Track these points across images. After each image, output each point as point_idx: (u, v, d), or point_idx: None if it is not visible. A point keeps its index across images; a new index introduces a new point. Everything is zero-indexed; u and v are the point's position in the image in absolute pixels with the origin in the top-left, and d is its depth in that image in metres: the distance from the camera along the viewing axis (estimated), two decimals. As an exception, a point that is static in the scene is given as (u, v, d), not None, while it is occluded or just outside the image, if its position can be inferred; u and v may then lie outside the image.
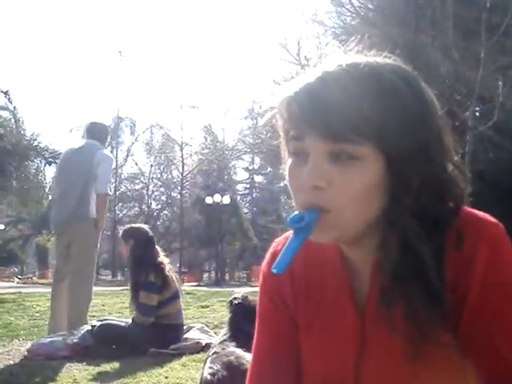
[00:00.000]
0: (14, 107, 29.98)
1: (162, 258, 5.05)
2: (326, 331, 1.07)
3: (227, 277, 42.97)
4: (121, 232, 5.17)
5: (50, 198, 6.32)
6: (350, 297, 1.05)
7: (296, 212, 0.93)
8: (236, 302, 3.31)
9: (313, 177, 0.90)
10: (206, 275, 46.92)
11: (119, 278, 41.28)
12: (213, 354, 3.05)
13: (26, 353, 4.63)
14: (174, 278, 5.04)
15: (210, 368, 2.85)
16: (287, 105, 0.94)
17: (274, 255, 1.15)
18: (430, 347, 0.92)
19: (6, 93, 29.06)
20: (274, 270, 0.91)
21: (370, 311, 1.00)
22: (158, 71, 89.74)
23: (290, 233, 1.14)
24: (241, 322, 3.14)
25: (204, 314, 7.66)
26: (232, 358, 2.84)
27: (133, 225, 5.42)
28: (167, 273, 4.94)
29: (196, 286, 24.52)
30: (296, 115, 0.92)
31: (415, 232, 0.91)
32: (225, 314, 7.52)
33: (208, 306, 8.89)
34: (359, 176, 0.89)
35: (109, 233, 49.88)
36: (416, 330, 0.91)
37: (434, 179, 0.92)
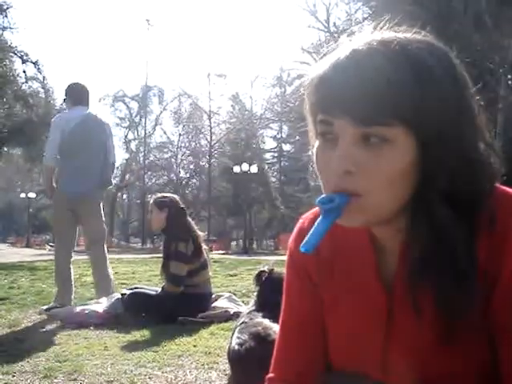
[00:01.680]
0: (44, 77, 30.29)
1: (195, 228, 5.10)
2: (353, 307, 1.07)
3: (255, 245, 43.19)
4: (152, 200, 5.18)
5: (60, 167, 5.96)
6: (377, 273, 1.04)
7: (324, 194, 0.92)
8: (263, 274, 3.32)
9: (343, 161, 0.88)
10: (233, 243, 47.30)
11: (148, 245, 41.81)
12: (241, 324, 3.07)
13: (58, 321, 4.74)
14: (204, 248, 5.09)
15: (238, 338, 2.88)
16: (316, 87, 0.92)
17: (301, 231, 1.15)
18: (458, 331, 0.91)
19: (35, 63, 29.33)
20: (302, 249, 0.90)
21: (399, 290, 0.99)
22: (186, 40, 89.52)
23: (316, 209, 1.13)
24: (268, 293, 3.16)
25: (232, 283, 7.72)
26: (259, 328, 2.86)
27: (166, 194, 5.46)
28: (198, 243, 4.98)
29: (224, 254, 24.71)
30: (325, 98, 0.90)
31: (446, 214, 0.89)
32: (252, 283, 7.64)
33: (236, 275, 8.94)
34: (390, 159, 0.87)
35: (138, 201, 50.51)
36: (445, 314, 0.90)
37: (466, 160, 0.89)
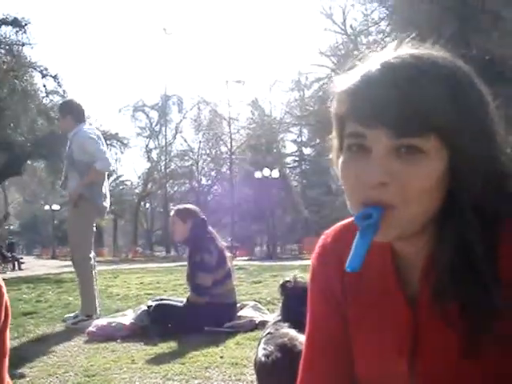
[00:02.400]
0: (64, 91, 30.61)
1: (217, 238, 5.12)
2: (377, 327, 1.06)
3: (279, 250, 43.14)
4: (174, 212, 5.20)
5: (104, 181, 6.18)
6: (401, 289, 1.03)
7: (358, 209, 0.92)
8: (288, 284, 3.31)
9: (377, 173, 0.87)
10: (257, 249, 47.30)
11: (172, 253, 41.98)
12: (266, 334, 3.06)
13: (85, 334, 4.78)
14: (227, 257, 5.11)
15: (264, 349, 2.87)
16: (347, 98, 0.92)
17: (324, 248, 1.14)
18: (485, 343, 0.90)
19: (54, 77, 29.69)
20: (349, 269, 0.90)
21: (423, 305, 0.98)
22: (203, 47, 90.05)
23: (338, 225, 1.13)
24: (293, 304, 3.14)
25: (257, 290, 7.71)
26: (286, 339, 2.85)
27: (187, 206, 5.49)
28: (222, 253, 5.00)
29: (248, 260, 24.73)
30: (359, 109, 0.89)
31: (473, 228, 0.89)
32: (277, 291, 7.62)
33: (261, 282, 8.94)
34: (424, 170, 0.87)
35: (161, 210, 50.76)
36: (471, 326, 0.90)
37: (494, 173, 0.90)
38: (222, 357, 3.72)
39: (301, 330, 2.97)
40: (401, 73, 0.87)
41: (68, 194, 5.80)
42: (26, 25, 28.11)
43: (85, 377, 3.37)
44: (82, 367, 3.64)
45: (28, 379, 3.38)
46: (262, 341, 3.04)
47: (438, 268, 0.93)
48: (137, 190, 52.28)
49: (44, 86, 29.82)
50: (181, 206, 5.38)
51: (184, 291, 6.21)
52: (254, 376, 3.05)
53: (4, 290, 1.65)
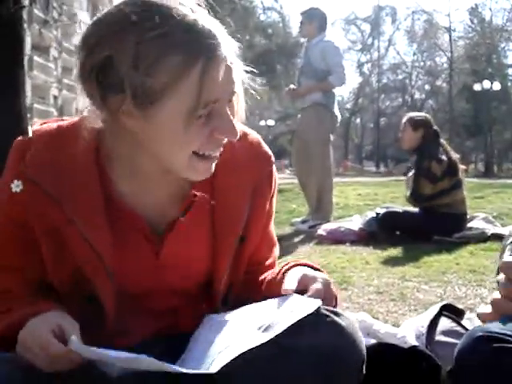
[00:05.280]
0: (281, 6, 31.08)
1: (449, 149, 4.99)
2: None
3: (495, 168, 40.66)
4: (407, 119, 5.10)
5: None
6: None
7: None
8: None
9: None
10: (471, 166, 45.11)
11: (382, 169, 41.73)
12: (511, 242, 2.97)
13: (316, 237, 5.02)
14: (459, 169, 4.96)
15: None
16: None
17: None
18: None
19: (271, -7, 30.19)
20: None
21: None
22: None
23: None
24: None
25: (480, 205, 7.42)
26: (536, 246, 2.74)
27: (420, 114, 5.40)
28: (453, 163, 4.87)
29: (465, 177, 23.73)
30: None
31: None
32: (502, 206, 7.26)
33: (483, 197, 8.56)
34: None
35: (372, 125, 50.35)
36: None
37: None
38: (457, 263, 3.70)
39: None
40: None
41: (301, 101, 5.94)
42: None
43: (323, 273, 3.57)
44: (320, 264, 3.83)
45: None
46: (508, 248, 2.95)
47: None
48: (348, 105, 52.14)
49: (262, 2, 30.54)
50: (414, 114, 5.29)
51: (402, 204, 6.18)
52: (495, 284, 3.00)
53: None
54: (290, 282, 1.11)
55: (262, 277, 1.28)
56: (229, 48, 1.03)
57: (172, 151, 1.05)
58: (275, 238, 1.37)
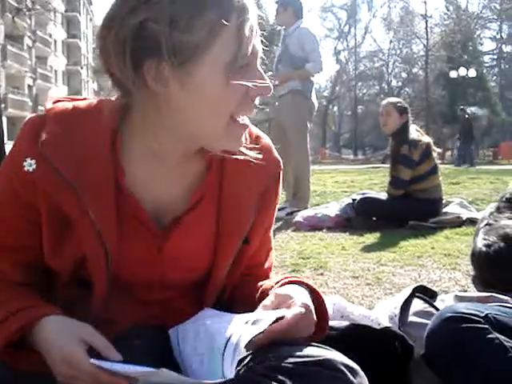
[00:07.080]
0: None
1: (424, 134, 5.03)
2: None
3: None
4: (391, 104, 5.10)
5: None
6: None
7: None
8: None
9: None
10: (448, 153, 45.49)
11: (359, 156, 41.91)
12: (485, 225, 3.01)
13: (293, 224, 5.03)
14: (434, 154, 5.00)
15: (484, 240, 2.83)
16: None
17: None
18: None
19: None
20: None
21: None
22: None
23: None
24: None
25: (456, 191, 7.49)
26: (508, 230, 2.78)
27: (400, 100, 5.41)
28: (428, 148, 4.90)
29: (440, 164, 23.92)
30: None
31: None
32: (477, 191, 7.34)
33: (459, 183, 8.65)
34: None
35: (349, 113, 50.53)
36: None
37: None
38: (433, 248, 3.73)
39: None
40: None
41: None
42: None
43: (300, 258, 3.58)
44: (296, 251, 3.87)
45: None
46: (481, 231, 2.99)
47: None
48: (325, 93, 52.23)
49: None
50: (396, 99, 5.33)
51: (380, 190, 6.21)
52: (470, 266, 3.04)
53: None
54: (268, 302, 1.08)
55: (259, 283, 1.26)
56: (254, 13, 1.04)
57: (210, 116, 1.03)
58: (272, 243, 1.36)
